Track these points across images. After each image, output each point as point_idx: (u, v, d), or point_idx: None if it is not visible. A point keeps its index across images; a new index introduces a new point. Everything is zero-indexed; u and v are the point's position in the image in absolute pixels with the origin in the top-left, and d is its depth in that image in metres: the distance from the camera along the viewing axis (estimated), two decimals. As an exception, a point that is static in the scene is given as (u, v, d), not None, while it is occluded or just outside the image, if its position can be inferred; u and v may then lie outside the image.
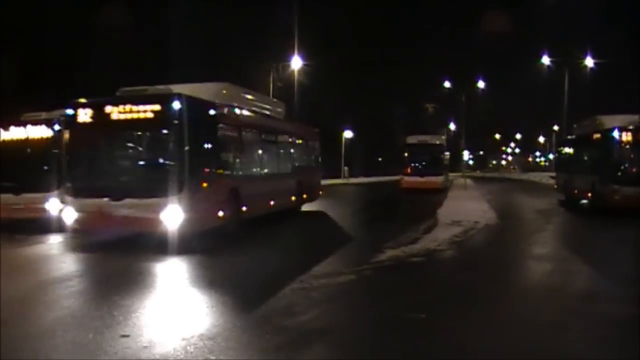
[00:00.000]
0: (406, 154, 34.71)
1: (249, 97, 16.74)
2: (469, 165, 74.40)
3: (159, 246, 11.36)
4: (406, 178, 34.11)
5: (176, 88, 12.75)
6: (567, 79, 43.05)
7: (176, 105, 11.41)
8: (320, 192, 22.41)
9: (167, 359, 5.57)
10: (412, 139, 35.73)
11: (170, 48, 37.20)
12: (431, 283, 9.39)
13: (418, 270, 10.34)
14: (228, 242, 12.73)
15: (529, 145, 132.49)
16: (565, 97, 43.66)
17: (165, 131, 11.81)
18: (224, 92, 14.75)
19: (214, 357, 5.59)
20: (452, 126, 71.22)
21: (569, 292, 8.53)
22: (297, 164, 19.87)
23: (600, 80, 42.89)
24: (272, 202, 16.36)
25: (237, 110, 14.91)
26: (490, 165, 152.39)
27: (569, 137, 28.86)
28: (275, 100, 18.77)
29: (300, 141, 20.62)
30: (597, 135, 20.39)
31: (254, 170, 16.13)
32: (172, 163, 11.64)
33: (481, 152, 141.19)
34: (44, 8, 35.52)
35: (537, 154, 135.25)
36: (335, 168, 54.37)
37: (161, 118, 11.58)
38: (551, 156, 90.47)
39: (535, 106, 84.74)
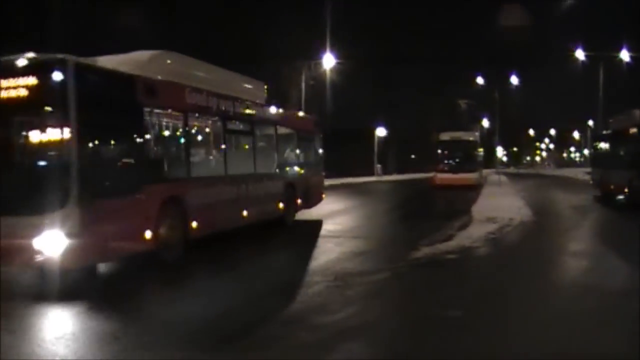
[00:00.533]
0: (439, 151, 34.56)
1: (209, 72, 12.74)
2: (502, 161, 73.64)
3: (39, 287, 8.55)
4: (439, 175, 33.93)
5: (100, 61, 9.62)
6: (602, 73, 42.45)
7: (57, 76, 7.95)
8: (323, 196, 18.57)
9: None
10: (445, 136, 35.50)
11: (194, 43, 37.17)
12: (467, 280, 9.38)
13: (453, 268, 10.33)
14: (153, 279, 9.31)
15: (563, 141, 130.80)
16: (600, 91, 43.06)
17: (45, 114, 8.16)
18: (168, 62, 11.20)
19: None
20: (486, 122, 70.67)
21: (607, 289, 8.41)
22: (286, 162, 16.15)
23: (637, 73, 42.13)
24: (245, 213, 12.91)
25: (186, 89, 11.18)
26: (525, 162, 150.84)
27: (604, 132, 28.47)
28: (251, 79, 14.96)
29: (291, 133, 16.44)
30: (633, 130, 20.07)
31: (212, 170, 12.48)
32: (52, 163, 8.17)
33: (515, 148, 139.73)
34: None
35: (572, 149, 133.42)
36: (369, 166, 54.57)
37: (38, 96, 8.10)
38: (586, 152, 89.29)
39: (570, 101, 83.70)
